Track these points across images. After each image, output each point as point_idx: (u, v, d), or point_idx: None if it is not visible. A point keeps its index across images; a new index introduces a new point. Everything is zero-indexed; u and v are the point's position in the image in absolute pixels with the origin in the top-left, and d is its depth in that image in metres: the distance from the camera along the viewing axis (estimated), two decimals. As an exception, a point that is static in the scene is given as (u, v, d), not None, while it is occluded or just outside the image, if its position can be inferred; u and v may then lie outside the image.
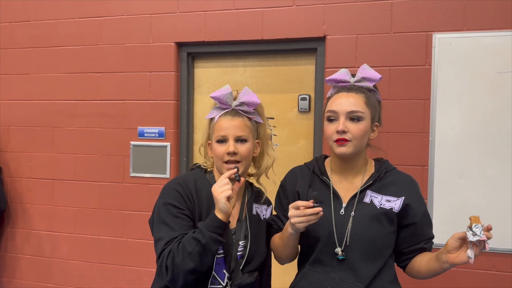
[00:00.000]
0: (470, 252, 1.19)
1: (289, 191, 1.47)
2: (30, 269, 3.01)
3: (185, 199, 1.37)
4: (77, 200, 2.90)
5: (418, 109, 2.32)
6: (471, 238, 1.17)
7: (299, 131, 2.63)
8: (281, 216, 1.47)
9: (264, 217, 1.52)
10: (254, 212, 1.49)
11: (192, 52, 2.74)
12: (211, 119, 1.46)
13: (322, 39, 2.48)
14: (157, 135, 2.74)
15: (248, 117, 1.43)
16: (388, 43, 2.36)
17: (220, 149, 1.39)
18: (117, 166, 2.81)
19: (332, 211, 1.38)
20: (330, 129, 1.36)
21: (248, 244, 1.42)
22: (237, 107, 1.42)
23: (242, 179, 1.37)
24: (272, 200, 1.57)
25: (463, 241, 1.21)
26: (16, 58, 2.99)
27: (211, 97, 1.43)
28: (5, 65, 3.01)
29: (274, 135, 2.67)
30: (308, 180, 1.44)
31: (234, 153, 1.37)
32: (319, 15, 2.46)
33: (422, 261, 1.37)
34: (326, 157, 1.53)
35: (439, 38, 2.28)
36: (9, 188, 3.03)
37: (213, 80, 2.77)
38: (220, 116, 1.41)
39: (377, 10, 2.37)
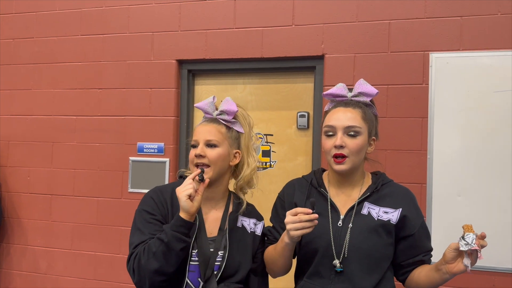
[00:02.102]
0: (466, 261, 1.19)
1: (286, 202, 1.47)
2: (26, 285, 2.97)
3: (159, 206, 1.41)
4: (74, 216, 2.88)
5: (415, 127, 2.34)
6: (463, 247, 1.17)
7: (298, 148, 2.65)
8: (278, 227, 1.47)
9: (252, 230, 1.50)
10: (239, 225, 1.49)
11: (193, 69, 2.78)
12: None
13: (320, 57, 2.52)
14: (156, 150, 2.75)
15: (226, 125, 1.46)
16: (386, 62, 2.39)
17: (191, 153, 1.44)
18: (115, 182, 2.81)
19: (330, 223, 1.38)
20: (328, 143, 1.37)
21: (226, 255, 1.41)
22: (218, 116, 1.47)
23: (207, 180, 1.38)
24: (263, 213, 1.57)
25: (460, 251, 1.21)
26: (18, 73, 3.02)
27: (195, 106, 1.53)
28: (6, 81, 3.05)
29: (273, 151, 2.68)
30: (306, 192, 1.45)
31: (201, 156, 1.40)
32: (318, 35, 2.50)
33: (421, 273, 1.36)
34: (324, 170, 1.54)
35: (436, 58, 2.32)
36: (6, 203, 3.02)
37: (213, 97, 2.80)
38: (201, 123, 1.48)
39: (374, 30, 2.42)
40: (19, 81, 3.02)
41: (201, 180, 1.36)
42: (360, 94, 1.42)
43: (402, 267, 1.41)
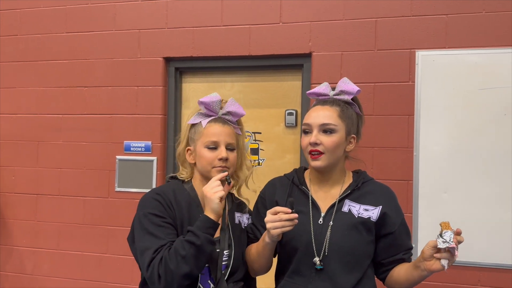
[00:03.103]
0: (443, 261, 1.20)
1: (268, 201, 1.47)
2: (12, 286, 2.93)
3: (166, 208, 1.36)
4: (61, 215, 2.85)
5: (402, 124, 2.36)
6: (441, 245, 1.18)
7: (286, 146, 2.65)
8: (259, 225, 1.47)
9: (245, 226, 1.51)
10: (236, 221, 1.49)
11: (180, 67, 2.76)
12: (193, 125, 1.46)
13: (308, 55, 2.52)
14: (143, 149, 2.73)
15: (233, 127, 1.45)
16: (373, 60, 2.41)
17: (210, 155, 1.38)
18: (102, 181, 2.78)
19: (311, 220, 1.38)
20: (305, 141, 1.39)
21: (232, 253, 1.40)
22: (223, 115, 1.43)
23: (232, 182, 1.38)
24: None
25: (438, 249, 1.21)
26: (2, 71, 2.97)
27: (199, 101, 1.43)
28: (-9, 79, 3.00)
29: (261, 149, 2.68)
30: (287, 189, 1.45)
31: (226, 159, 1.38)
32: (305, 32, 2.51)
33: (401, 271, 1.37)
34: (306, 168, 1.54)
35: (422, 55, 2.34)
36: (-9, 203, 2.97)
37: (200, 95, 2.70)
38: (210, 122, 1.42)
39: (361, 28, 2.43)
40: (3, 79, 2.97)
41: (229, 182, 1.36)
42: (342, 92, 1.43)
43: (382, 266, 1.42)
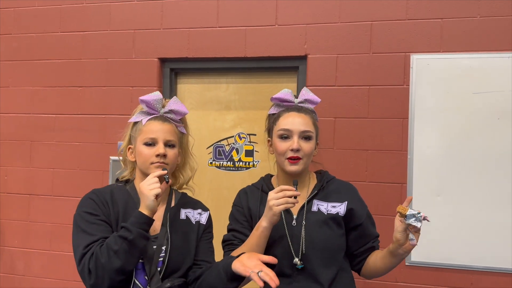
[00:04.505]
0: (411, 236, 1.30)
1: (244, 207, 1.54)
2: (3, 286, 2.91)
3: (100, 206, 1.38)
4: (53, 216, 2.83)
5: (396, 127, 2.37)
6: (417, 223, 1.27)
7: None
8: (241, 230, 1.52)
9: (197, 220, 1.51)
10: (183, 217, 1.49)
11: (175, 68, 2.75)
12: (135, 123, 1.48)
13: (303, 58, 2.52)
14: (137, 150, 2.71)
15: (175, 125, 1.47)
16: (367, 63, 2.41)
17: (148, 151, 1.39)
18: (96, 181, 2.76)
19: (285, 224, 1.47)
20: (284, 146, 1.46)
21: (169, 248, 1.40)
22: (165, 113, 1.45)
23: (170, 180, 1.38)
24: (211, 207, 1.61)
25: (405, 229, 1.30)
26: (-4, 70, 2.95)
27: (140, 99, 1.45)
28: (-16, 78, 2.97)
29: (256, 151, 2.68)
30: (258, 197, 1.53)
31: (164, 155, 1.39)
32: (301, 35, 2.51)
33: (376, 259, 1.46)
34: (271, 176, 1.63)
35: (416, 59, 2.35)
36: (-17, 203, 2.95)
37: (196, 96, 2.78)
38: (149, 120, 1.44)
39: (357, 31, 2.43)
40: (-4, 78, 2.95)
41: (167, 180, 1.36)
42: (306, 101, 1.53)
43: (356, 256, 1.52)
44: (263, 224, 1.36)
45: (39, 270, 2.85)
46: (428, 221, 1.29)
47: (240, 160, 2.70)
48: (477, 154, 2.26)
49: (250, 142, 2.69)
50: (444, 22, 2.33)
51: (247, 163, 2.69)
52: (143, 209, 1.29)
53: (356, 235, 1.50)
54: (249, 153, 2.69)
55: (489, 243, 2.22)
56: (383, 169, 2.37)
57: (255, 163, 2.68)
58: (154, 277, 1.35)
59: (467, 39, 2.30)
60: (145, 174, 1.40)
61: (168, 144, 1.41)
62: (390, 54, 2.39)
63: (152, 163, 1.38)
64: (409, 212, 1.27)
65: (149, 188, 1.28)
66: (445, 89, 2.31)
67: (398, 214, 1.30)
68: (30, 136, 2.89)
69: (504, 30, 2.26)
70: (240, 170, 2.70)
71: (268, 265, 1.22)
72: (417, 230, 1.30)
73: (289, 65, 2.58)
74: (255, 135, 2.68)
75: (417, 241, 1.30)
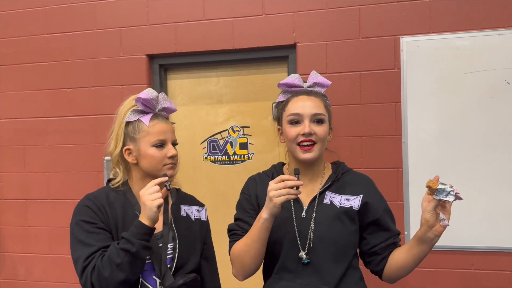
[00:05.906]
0: (442, 216, 1.19)
1: (252, 196, 1.46)
2: (5, 293, 2.91)
3: (97, 213, 1.34)
4: (51, 219, 2.82)
5: (389, 112, 2.35)
6: (450, 198, 1.15)
7: (275, 139, 2.61)
8: (246, 219, 1.44)
9: (197, 217, 1.51)
10: (183, 214, 1.48)
11: (164, 64, 2.72)
12: (129, 123, 1.41)
13: (292, 46, 2.49)
14: (131, 149, 2.69)
15: (172, 123, 1.48)
16: (357, 48, 2.38)
17: (159, 153, 1.37)
18: (91, 183, 2.75)
19: (294, 215, 1.37)
20: (294, 131, 1.36)
21: (177, 245, 1.39)
22: (159, 112, 1.43)
23: (170, 188, 1.37)
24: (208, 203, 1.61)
25: (436, 210, 1.20)
26: (-16, 76, 2.92)
27: (137, 98, 1.40)
28: (-28, 84, 2.94)
29: (250, 143, 2.66)
30: (267, 186, 1.43)
31: (176, 157, 1.40)
32: (289, 23, 2.48)
33: (401, 254, 1.34)
34: (283, 164, 1.55)
35: (406, 42, 2.32)
36: (-20, 210, 2.93)
37: (187, 92, 2.76)
38: (152, 120, 1.39)
39: (345, 17, 2.40)
40: (-15, 84, 2.92)
41: (168, 188, 1.33)
42: (315, 84, 1.44)
43: (376, 254, 1.40)
44: (263, 215, 1.27)
45: (40, 273, 2.85)
46: (461, 198, 1.16)
47: (235, 153, 2.68)
48: (471, 134, 2.24)
49: (244, 134, 2.67)
50: (432, 2, 2.30)
51: (242, 156, 2.67)
52: (144, 219, 1.25)
53: (374, 229, 1.39)
54: (244, 146, 2.67)
55: (488, 223, 2.21)
56: (378, 154, 2.36)
57: (250, 156, 2.66)
58: (166, 276, 1.34)
59: (456, 18, 2.27)
60: (149, 176, 1.38)
61: (174, 144, 1.43)
62: (379, 38, 2.36)
63: (165, 165, 1.38)
64: (440, 186, 1.14)
65: (150, 198, 1.25)
66: (437, 70, 2.28)
67: (427, 190, 1.17)
68: (23, 140, 2.87)
69: (493, 7, 2.23)
70: (235, 163, 2.68)
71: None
72: (446, 210, 1.18)
73: (278, 55, 2.55)
74: (248, 127, 2.66)
75: (448, 221, 1.18)
